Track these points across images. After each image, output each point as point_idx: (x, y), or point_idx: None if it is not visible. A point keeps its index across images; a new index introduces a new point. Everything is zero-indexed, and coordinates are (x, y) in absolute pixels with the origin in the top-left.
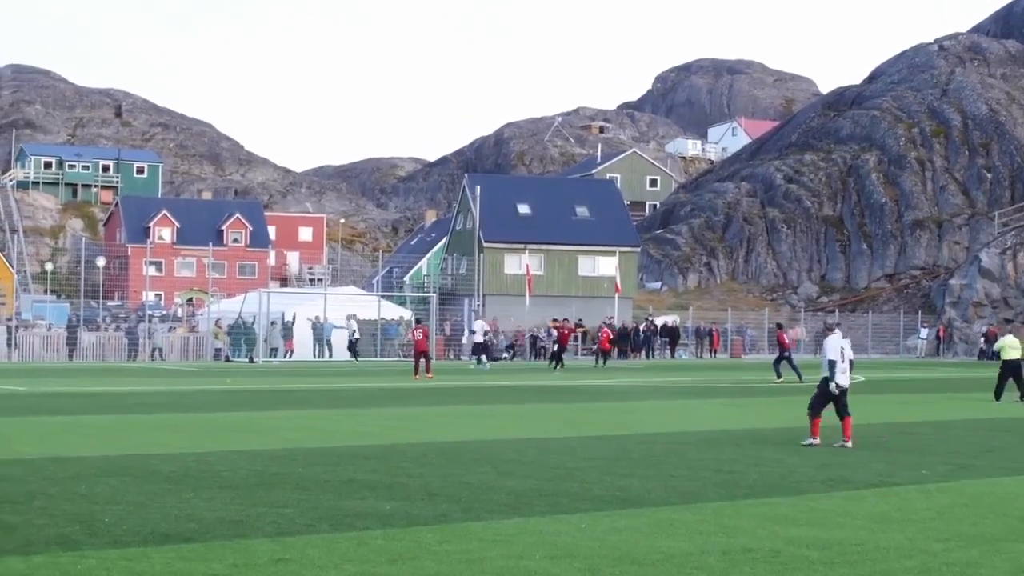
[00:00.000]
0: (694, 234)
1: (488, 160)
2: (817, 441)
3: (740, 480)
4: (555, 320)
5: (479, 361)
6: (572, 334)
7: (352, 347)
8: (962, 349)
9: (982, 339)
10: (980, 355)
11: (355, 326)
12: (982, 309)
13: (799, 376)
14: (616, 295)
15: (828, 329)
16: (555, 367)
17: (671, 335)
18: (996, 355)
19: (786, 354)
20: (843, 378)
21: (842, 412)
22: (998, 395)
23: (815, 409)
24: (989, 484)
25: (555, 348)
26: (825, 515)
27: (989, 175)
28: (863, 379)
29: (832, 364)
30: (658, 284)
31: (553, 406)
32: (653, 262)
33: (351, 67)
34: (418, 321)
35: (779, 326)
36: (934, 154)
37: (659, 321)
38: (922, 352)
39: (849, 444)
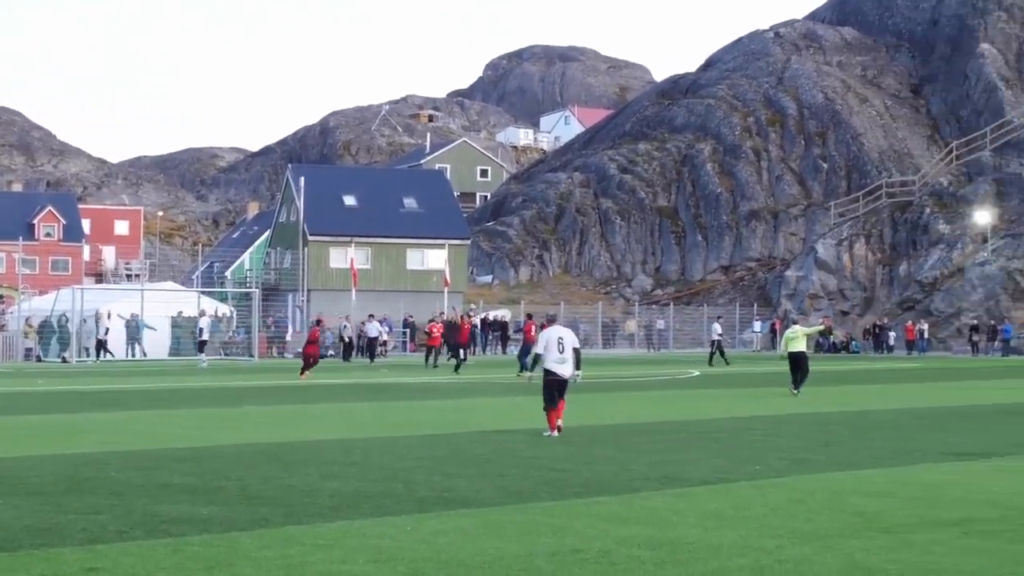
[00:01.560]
0: (526, 226)
1: (313, 150)
2: (555, 434)
3: (571, 479)
4: (466, 316)
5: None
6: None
7: (101, 345)
8: None
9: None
10: (816, 348)
11: (107, 324)
12: (818, 301)
13: (522, 370)
14: (445, 289)
15: (549, 321)
16: (457, 367)
17: (502, 330)
18: (834, 346)
19: (528, 346)
20: (561, 368)
21: (556, 401)
22: (796, 384)
23: (546, 402)
24: (824, 479)
25: (447, 349)
26: (657, 513)
27: (825, 165)
28: (697, 374)
29: (538, 356)
30: (489, 278)
31: (380, 404)
32: (484, 255)
33: (169, 52)
34: (318, 323)
35: (528, 316)
36: (770, 143)
37: (490, 316)
38: (758, 345)
39: (555, 434)
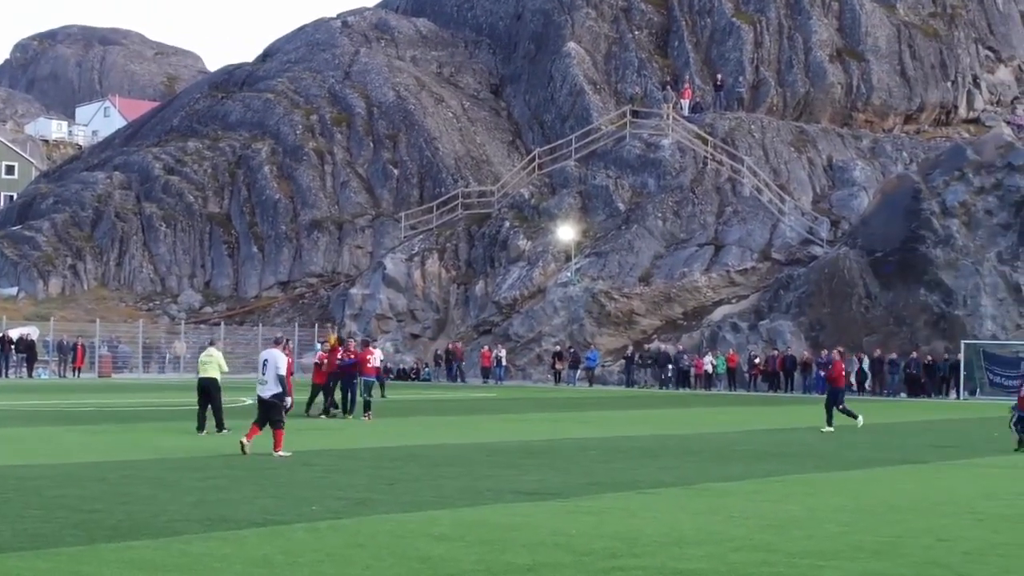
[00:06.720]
0: (57, 232)
1: None
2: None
3: (103, 521)
4: (363, 345)
5: None
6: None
7: None
8: None
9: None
10: (385, 371)
11: None
12: (387, 322)
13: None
14: None
15: (275, 343)
16: (348, 413)
17: (28, 350)
18: (403, 373)
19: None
20: (259, 389)
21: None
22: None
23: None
24: (387, 521)
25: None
26: (198, 559)
27: (396, 171)
28: (250, 402)
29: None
30: (14, 290)
31: None
32: (9, 264)
33: None
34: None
35: (366, 343)
36: (335, 145)
37: (13, 334)
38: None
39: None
